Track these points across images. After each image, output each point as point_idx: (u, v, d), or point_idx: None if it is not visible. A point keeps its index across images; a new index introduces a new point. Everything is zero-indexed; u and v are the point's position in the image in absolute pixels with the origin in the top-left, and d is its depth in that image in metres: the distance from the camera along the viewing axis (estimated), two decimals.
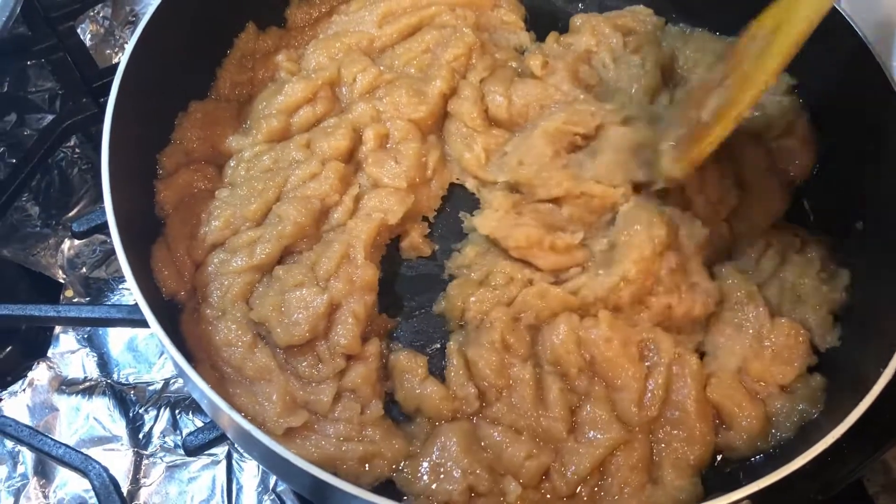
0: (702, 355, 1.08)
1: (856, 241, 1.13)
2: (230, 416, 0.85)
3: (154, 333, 0.90)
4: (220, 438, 1.01)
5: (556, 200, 1.15)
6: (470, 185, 1.22)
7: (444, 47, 1.25)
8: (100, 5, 1.44)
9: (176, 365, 0.88)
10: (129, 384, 1.22)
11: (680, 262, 1.10)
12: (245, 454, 1.11)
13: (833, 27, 1.15)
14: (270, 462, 0.94)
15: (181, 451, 1.14)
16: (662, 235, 1.08)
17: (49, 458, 1.04)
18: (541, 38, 1.34)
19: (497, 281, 1.10)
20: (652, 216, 1.10)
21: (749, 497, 0.83)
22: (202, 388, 0.85)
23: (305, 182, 1.10)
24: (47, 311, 1.09)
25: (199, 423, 1.17)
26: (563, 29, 1.35)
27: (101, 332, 1.25)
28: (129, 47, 1.03)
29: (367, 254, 1.08)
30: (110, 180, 0.95)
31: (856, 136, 1.17)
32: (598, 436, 0.98)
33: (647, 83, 1.24)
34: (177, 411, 1.20)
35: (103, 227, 1.17)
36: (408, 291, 1.14)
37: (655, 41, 1.32)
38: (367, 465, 0.96)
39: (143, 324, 1.08)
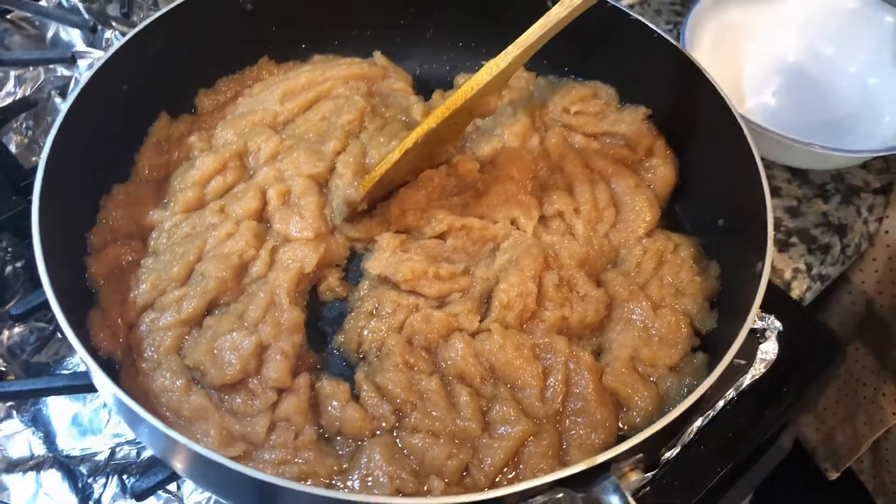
0: (599, 352, 1.21)
1: (720, 237, 1.29)
2: (178, 441, 0.90)
3: (98, 393, 0.96)
4: (166, 480, 1.08)
5: (441, 235, 1.29)
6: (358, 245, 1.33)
7: (338, 114, 1.40)
8: (23, 115, 1.55)
9: (122, 407, 0.95)
10: (77, 457, 1.27)
11: (564, 278, 1.25)
12: (197, 487, 1.17)
13: (681, 68, 1.34)
14: (222, 482, 1.00)
15: None
16: (534, 265, 1.22)
17: None
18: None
19: (386, 310, 1.21)
20: (527, 249, 1.24)
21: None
22: (150, 421, 0.91)
23: (223, 242, 1.21)
24: None
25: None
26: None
27: (44, 412, 1.31)
28: (46, 147, 1.11)
29: (292, 299, 1.19)
30: (45, 258, 1.03)
31: (706, 153, 1.35)
32: (509, 430, 1.08)
33: (517, 129, 1.41)
34: (124, 476, 1.26)
35: (39, 308, 1.27)
36: (331, 328, 1.25)
37: (527, 93, 1.49)
38: (302, 483, 1.04)
39: (83, 389, 1.17)
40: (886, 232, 1.59)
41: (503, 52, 1.21)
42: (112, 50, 1.22)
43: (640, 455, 0.94)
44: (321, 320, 1.25)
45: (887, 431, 1.72)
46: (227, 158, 1.31)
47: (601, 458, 0.88)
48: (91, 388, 1.18)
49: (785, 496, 1.96)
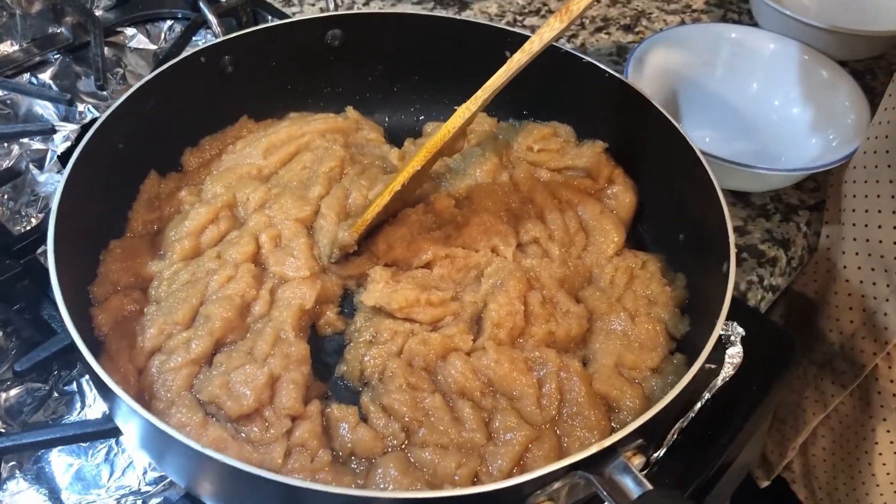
0: (585, 362, 1.30)
1: (683, 250, 1.41)
2: (214, 459, 0.92)
3: (108, 440, 1.02)
4: None
5: (427, 265, 1.37)
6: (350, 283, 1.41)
7: (319, 163, 1.49)
8: (6, 186, 1.59)
9: (151, 438, 0.99)
10: None
11: (547, 296, 1.34)
12: None
13: (631, 101, 1.46)
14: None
15: None
16: (518, 287, 1.32)
17: None
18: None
19: (384, 337, 1.28)
20: (510, 273, 1.34)
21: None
22: (185, 442, 0.93)
23: (224, 285, 1.27)
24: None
25: None
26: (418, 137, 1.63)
27: (46, 470, 1.32)
28: (53, 211, 1.16)
29: (297, 333, 1.25)
30: (68, 311, 1.07)
31: (662, 175, 1.48)
32: (513, 436, 1.15)
33: (487, 167, 1.52)
34: None
35: (41, 365, 1.30)
36: (333, 359, 1.31)
37: (492, 135, 1.61)
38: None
39: (97, 435, 1.21)
40: (827, 248, 1.74)
41: (473, 97, 1.33)
42: (111, 108, 1.29)
43: (641, 441, 1.02)
44: (323, 353, 1.32)
45: (814, 437, 1.82)
46: (218, 209, 1.38)
47: (609, 442, 0.96)
48: (103, 435, 1.21)
49: None
